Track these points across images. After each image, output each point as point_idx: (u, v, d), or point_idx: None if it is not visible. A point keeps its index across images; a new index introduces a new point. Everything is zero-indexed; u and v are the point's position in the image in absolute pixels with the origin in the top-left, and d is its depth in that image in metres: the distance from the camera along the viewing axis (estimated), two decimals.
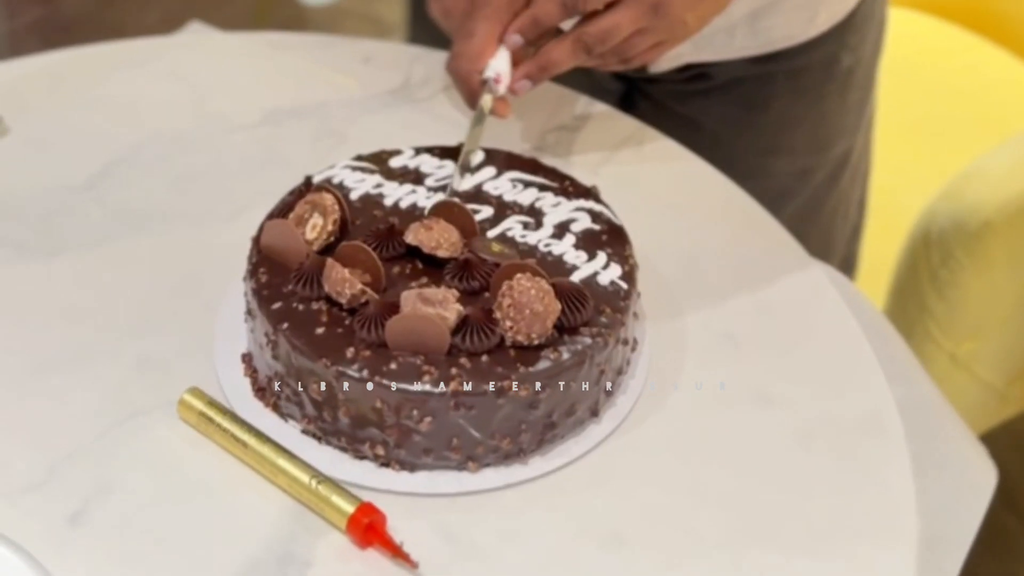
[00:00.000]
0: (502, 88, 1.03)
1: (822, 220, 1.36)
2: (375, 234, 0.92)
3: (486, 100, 1.03)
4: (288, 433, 0.88)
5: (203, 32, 1.32)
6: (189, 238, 1.04)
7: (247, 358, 0.92)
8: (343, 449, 0.87)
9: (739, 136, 1.28)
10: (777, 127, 1.29)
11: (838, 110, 1.31)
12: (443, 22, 1.11)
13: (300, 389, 0.86)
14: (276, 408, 0.89)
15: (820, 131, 1.31)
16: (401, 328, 0.84)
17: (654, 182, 1.11)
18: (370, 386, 0.83)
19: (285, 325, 0.87)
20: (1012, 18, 1.99)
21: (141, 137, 1.14)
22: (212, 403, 0.88)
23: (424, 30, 1.32)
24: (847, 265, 1.43)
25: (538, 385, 0.84)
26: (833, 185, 1.35)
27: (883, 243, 1.53)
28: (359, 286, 0.86)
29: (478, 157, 1.01)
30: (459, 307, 0.85)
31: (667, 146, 1.15)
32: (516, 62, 1.04)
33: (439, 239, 0.90)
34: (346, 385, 0.84)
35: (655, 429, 0.90)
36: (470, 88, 1.04)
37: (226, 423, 0.87)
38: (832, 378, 0.95)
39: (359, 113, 1.18)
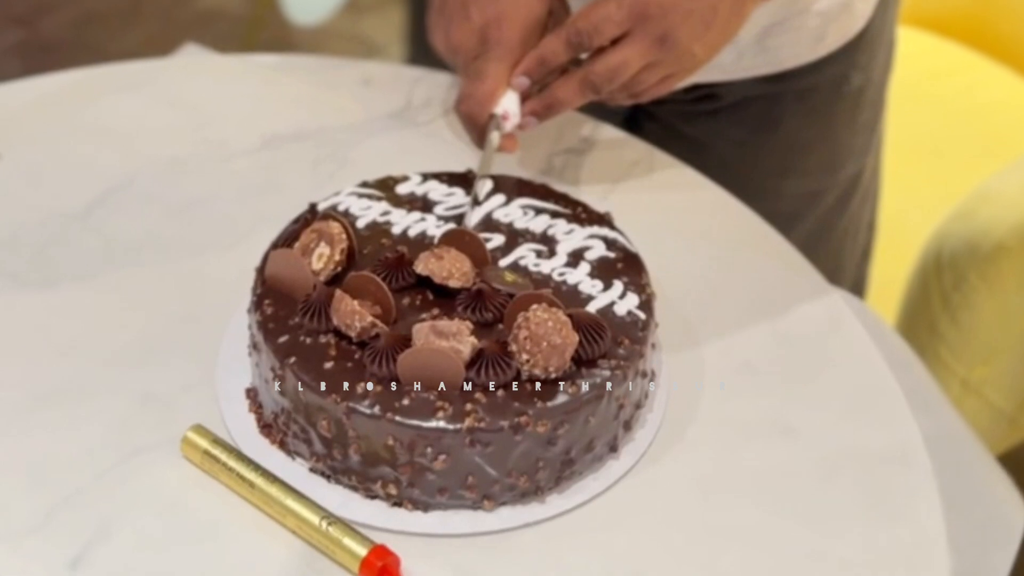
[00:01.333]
0: (509, 126, 1.02)
1: (832, 243, 1.34)
2: (384, 264, 0.89)
3: (494, 137, 1.01)
4: (296, 472, 0.85)
5: (199, 54, 1.30)
6: (189, 268, 1.02)
7: (252, 393, 0.90)
8: (354, 488, 0.84)
9: (748, 158, 1.26)
10: (787, 148, 1.27)
11: (848, 131, 1.29)
12: (449, 58, 1.08)
13: (308, 426, 0.84)
14: (283, 446, 0.86)
15: (830, 152, 1.29)
16: (414, 362, 0.82)
17: (666, 207, 1.09)
18: (382, 422, 0.81)
19: (292, 359, 0.84)
20: (1015, 37, 1.98)
21: (137, 164, 1.11)
22: (217, 441, 0.86)
23: (423, 50, 1.30)
24: (857, 289, 1.41)
25: (556, 420, 0.82)
26: (843, 208, 1.33)
27: (892, 266, 1.51)
28: (369, 318, 0.84)
29: (486, 186, 0.99)
30: (473, 340, 0.83)
31: (678, 170, 1.13)
32: (523, 96, 1.03)
33: (450, 269, 0.88)
34: (357, 421, 0.81)
35: (675, 464, 0.88)
36: (478, 128, 1.02)
37: (231, 462, 0.85)
38: (855, 409, 0.93)
39: (360, 137, 1.16)
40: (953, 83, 1.90)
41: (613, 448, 0.87)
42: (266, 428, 0.88)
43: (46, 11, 2.92)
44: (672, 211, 1.09)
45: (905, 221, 1.59)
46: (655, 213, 1.08)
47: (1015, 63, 1.94)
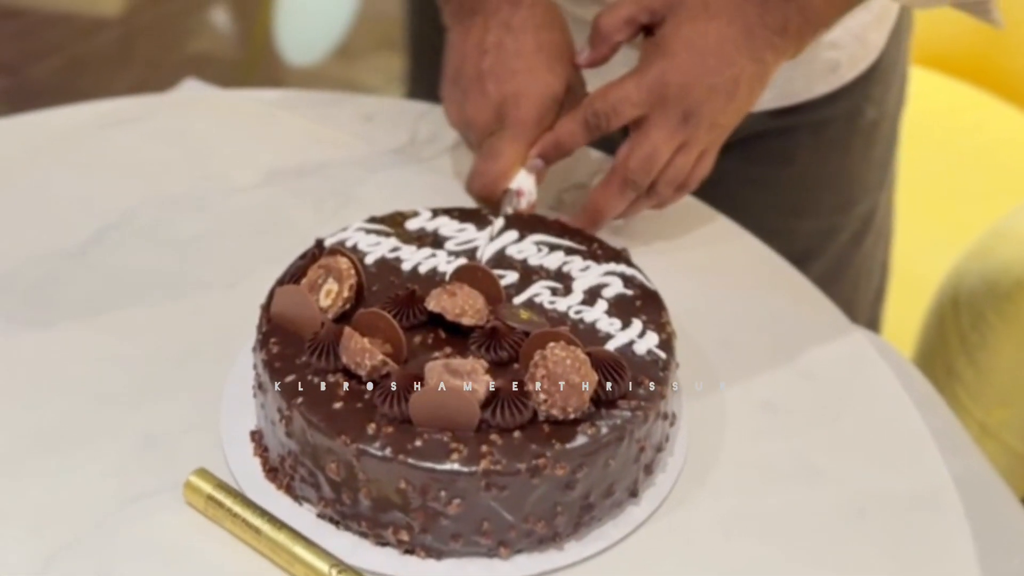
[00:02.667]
0: (524, 203, 1.01)
1: (846, 284, 1.32)
2: (394, 301, 0.87)
3: (508, 212, 1.00)
4: (303, 518, 0.83)
5: (199, 89, 1.28)
6: (190, 306, 0.99)
7: (257, 436, 0.87)
8: (364, 535, 0.81)
9: (760, 194, 1.24)
10: (800, 184, 1.26)
11: (862, 166, 1.28)
12: (461, 131, 1.08)
13: (316, 469, 0.82)
14: (290, 490, 0.84)
15: (844, 188, 1.28)
16: (427, 402, 0.80)
17: (680, 243, 1.07)
18: (394, 465, 0.78)
19: (299, 400, 0.82)
20: (1019, 75, 1.97)
21: (135, 200, 1.09)
22: (221, 485, 0.83)
23: (425, 86, 1.29)
24: (870, 329, 1.39)
25: (575, 463, 0.80)
26: (857, 246, 1.31)
27: (904, 306, 1.50)
28: (380, 357, 0.82)
29: (498, 224, 0.97)
30: (489, 379, 0.81)
31: (691, 204, 1.12)
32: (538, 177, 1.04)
33: (463, 306, 0.86)
34: (367, 464, 0.79)
35: (698, 509, 0.86)
36: (492, 204, 1.02)
37: (236, 507, 0.82)
38: (882, 450, 0.91)
39: (364, 173, 1.14)
40: (961, 122, 1.90)
41: (633, 493, 0.85)
42: (272, 472, 0.85)
43: (33, 58, 2.90)
44: (685, 247, 1.07)
45: (917, 261, 1.57)
46: (668, 249, 1.06)
47: (1017, 99, 1.94)
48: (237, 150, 1.16)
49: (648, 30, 1.02)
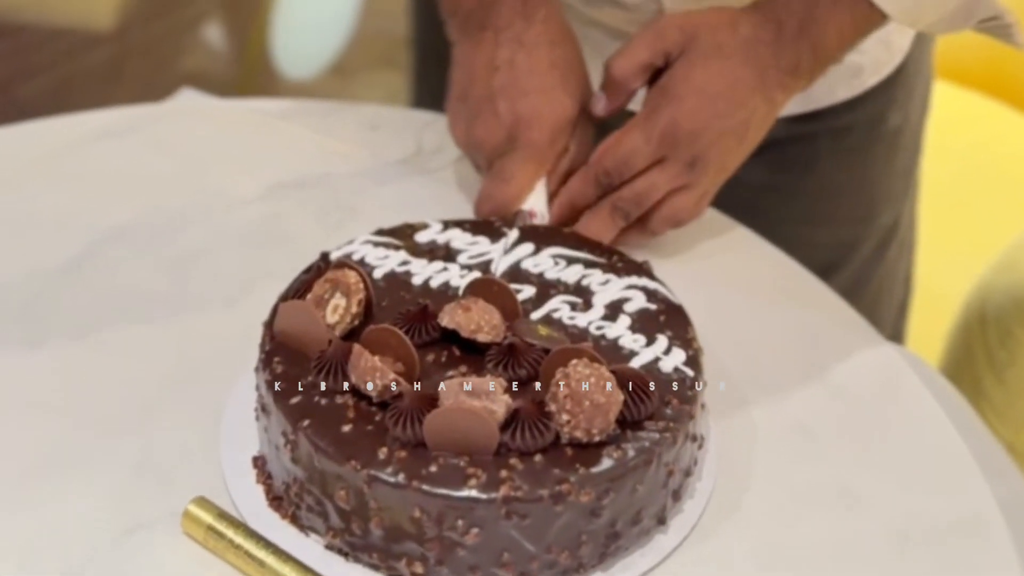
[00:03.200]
0: (535, 221, 0.98)
1: (867, 298, 1.28)
2: (406, 316, 0.83)
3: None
4: (310, 549, 0.78)
5: (195, 99, 1.24)
6: (187, 325, 0.95)
7: (260, 462, 0.83)
8: (375, 567, 0.77)
9: (780, 204, 1.20)
10: (821, 193, 1.22)
11: (885, 175, 1.24)
12: (470, 153, 1.05)
13: (324, 497, 0.77)
14: (295, 520, 0.80)
15: (866, 198, 1.24)
16: (442, 424, 0.75)
17: (699, 254, 1.03)
18: (407, 492, 0.74)
19: (306, 422, 0.77)
20: None
21: (129, 215, 1.05)
22: (222, 515, 0.79)
23: (430, 94, 1.25)
24: None
25: (601, 488, 0.75)
26: (880, 258, 1.27)
27: (927, 323, 1.45)
28: (391, 376, 0.77)
29: (512, 236, 0.93)
30: (508, 399, 0.76)
31: (709, 214, 1.07)
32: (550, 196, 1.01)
33: (479, 321, 0.81)
34: (379, 491, 0.75)
35: (729, 537, 0.81)
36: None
37: (239, 538, 0.78)
38: (923, 474, 0.87)
39: (369, 184, 1.10)
40: (981, 134, 1.86)
41: (661, 520, 0.80)
42: (276, 501, 0.81)
43: (23, 76, 2.86)
44: (705, 257, 1.03)
45: (940, 275, 1.53)
46: (686, 260, 1.02)
47: None
48: (236, 161, 1.12)
49: (658, 71, 0.99)
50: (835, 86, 1.15)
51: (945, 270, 1.55)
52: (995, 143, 1.85)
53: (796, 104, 1.13)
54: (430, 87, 1.29)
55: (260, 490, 0.82)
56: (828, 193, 1.22)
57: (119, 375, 0.90)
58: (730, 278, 1.02)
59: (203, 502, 0.80)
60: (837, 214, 1.23)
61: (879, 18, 0.97)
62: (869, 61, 1.15)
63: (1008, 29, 1.00)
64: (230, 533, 0.78)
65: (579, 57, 1.03)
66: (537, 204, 0.98)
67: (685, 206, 0.99)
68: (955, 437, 0.89)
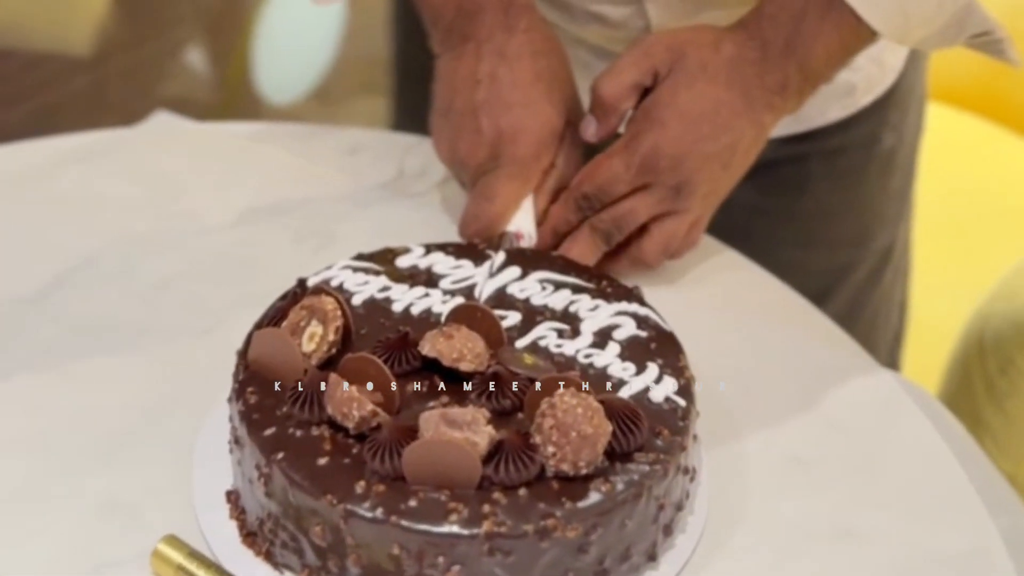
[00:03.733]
0: (524, 244, 0.96)
1: (862, 325, 1.26)
2: (384, 345, 0.80)
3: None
4: None
5: (170, 122, 1.21)
6: (159, 355, 0.93)
7: (233, 497, 0.80)
8: None
9: (772, 227, 1.18)
10: (813, 216, 1.20)
11: (880, 196, 1.22)
12: (453, 169, 1.02)
13: (299, 533, 0.74)
14: (269, 557, 0.77)
15: (861, 221, 1.22)
16: (422, 457, 0.73)
17: (693, 282, 1.01)
18: (385, 528, 0.71)
19: (280, 455, 0.75)
20: None
21: (99, 242, 1.02)
22: (193, 554, 0.76)
23: (412, 116, 1.22)
24: None
25: (588, 524, 0.73)
26: (875, 283, 1.25)
27: (923, 352, 1.43)
28: (370, 406, 0.75)
29: (498, 259, 0.90)
30: (491, 430, 0.74)
31: (703, 240, 1.05)
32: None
33: (461, 349, 0.79)
34: (356, 527, 0.72)
35: (723, 574, 0.79)
36: (489, 245, 0.96)
37: None
38: (924, 508, 0.84)
39: (348, 209, 1.07)
40: (977, 158, 1.85)
41: (652, 557, 0.78)
42: (250, 537, 0.78)
43: (3, 104, 2.84)
44: (698, 284, 1.01)
45: (937, 302, 1.51)
46: (677, 286, 1.00)
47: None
48: (210, 186, 1.09)
49: (646, 91, 0.98)
50: (827, 106, 1.13)
51: (941, 297, 1.53)
52: (991, 165, 1.84)
53: (788, 124, 1.11)
54: (410, 108, 1.27)
55: (233, 525, 0.79)
56: (821, 216, 1.20)
57: (86, 408, 0.88)
58: (722, 304, 1.00)
59: (173, 540, 0.77)
60: (831, 237, 1.21)
61: (868, 35, 0.94)
62: (861, 80, 1.13)
63: (999, 45, 0.98)
64: (201, 572, 0.76)
65: (565, 67, 1.01)
66: (524, 224, 0.96)
67: (675, 233, 0.97)
68: (956, 468, 0.86)
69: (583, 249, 0.95)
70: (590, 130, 0.99)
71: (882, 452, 0.88)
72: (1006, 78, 1.94)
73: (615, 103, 0.97)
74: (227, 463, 0.82)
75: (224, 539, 0.78)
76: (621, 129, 0.98)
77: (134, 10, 2.40)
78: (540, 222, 0.97)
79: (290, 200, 1.08)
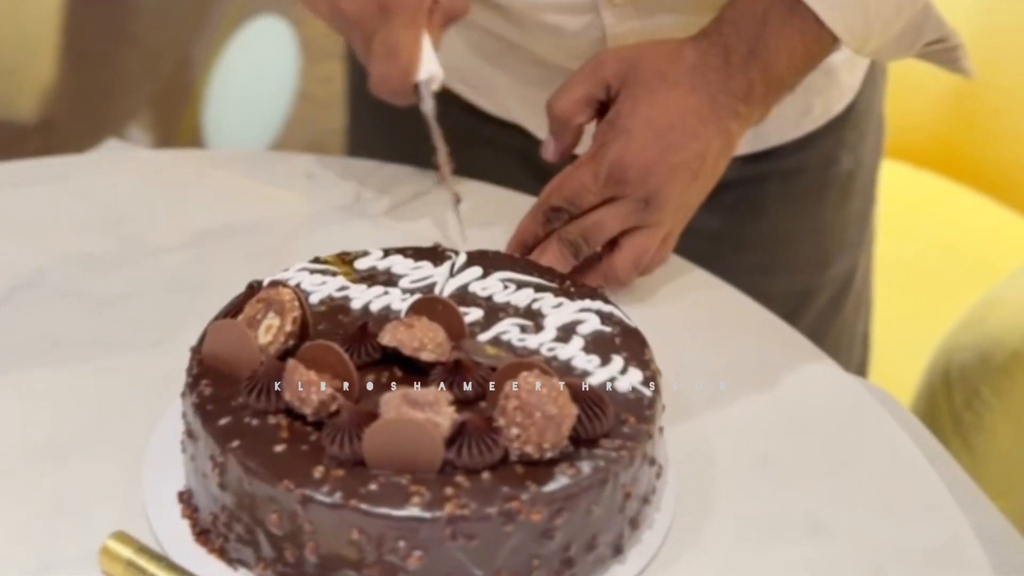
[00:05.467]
0: (436, 85, 0.96)
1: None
2: (344, 337, 0.80)
3: (429, 106, 0.96)
4: None
5: (120, 149, 1.21)
6: (107, 367, 0.92)
7: (185, 496, 0.79)
8: None
9: (728, 250, 1.17)
10: (771, 240, 1.20)
11: (839, 220, 1.23)
12: (340, 30, 0.98)
13: (255, 524, 0.74)
14: (223, 554, 0.76)
15: (820, 244, 1.23)
16: (383, 438, 0.72)
17: (651, 293, 1.01)
18: (344, 512, 0.71)
19: (235, 443, 0.74)
20: (990, 163, 1.96)
21: (47, 259, 1.02)
22: (142, 549, 0.75)
23: (367, 146, 1.23)
24: None
25: (554, 508, 0.72)
26: (836, 312, 1.26)
27: (889, 384, 1.44)
28: (328, 390, 0.74)
29: (460, 259, 0.90)
30: (453, 412, 0.73)
31: (671, 259, 1.05)
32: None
33: (422, 339, 0.79)
34: (314, 513, 0.71)
35: (690, 569, 0.78)
36: (403, 103, 0.97)
37: (161, 573, 0.74)
38: (894, 503, 0.84)
39: (305, 230, 1.07)
40: (933, 213, 1.87)
41: (619, 549, 0.77)
42: (203, 535, 0.77)
43: None
44: (658, 297, 1.01)
45: (898, 341, 1.52)
46: (642, 299, 1.00)
47: (992, 190, 1.92)
48: (162, 208, 1.09)
49: (604, 106, 0.98)
50: (784, 125, 1.14)
51: (904, 336, 1.54)
52: (953, 222, 1.86)
53: (745, 143, 1.11)
54: (365, 140, 1.28)
55: (186, 524, 0.78)
56: (779, 239, 1.20)
57: (32, 415, 0.87)
58: (687, 317, 0.99)
59: (122, 536, 0.76)
60: (790, 262, 1.22)
61: (829, 41, 0.95)
62: (819, 98, 1.14)
63: (953, 53, 1.00)
64: (152, 568, 0.74)
65: None
66: (431, 67, 0.95)
67: (646, 248, 0.97)
68: (925, 465, 0.86)
69: (551, 261, 0.95)
70: (549, 151, 1.00)
71: (850, 451, 0.88)
72: (959, 133, 1.98)
73: (567, 118, 0.98)
74: (178, 465, 0.81)
75: (176, 538, 0.77)
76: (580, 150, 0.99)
77: (82, 76, 2.40)
78: (436, 47, 0.96)
79: (244, 222, 1.08)
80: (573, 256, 0.96)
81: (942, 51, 1.00)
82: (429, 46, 0.96)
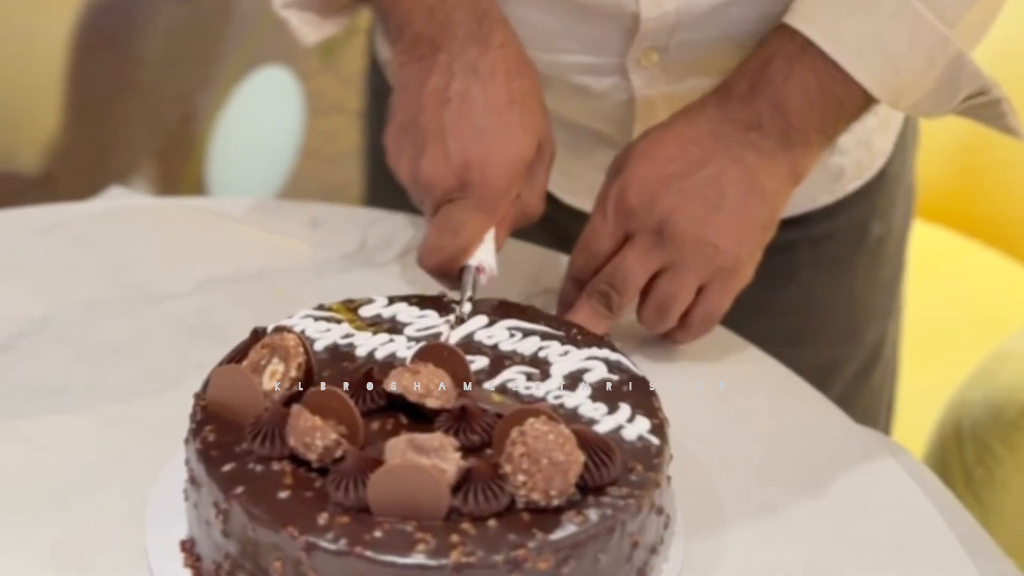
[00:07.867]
0: (485, 279, 0.94)
1: None
2: (349, 383, 0.80)
3: (467, 294, 0.92)
4: None
5: (124, 197, 1.22)
6: (110, 415, 0.92)
7: (188, 544, 0.80)
8: None
9: (757, 320, 1.10)
10: (801, 308, 1.19)
11: (869, 288, 1.22)
12: (414, 192, 0.97)
13: (258, 572, 0.74)
14: None
15: (849, 314, 1.21)
16: (388, 485, 0.72)
17: (660, 346, 1.01)
18: (349, 560, 0.71)
19: (240, 489, 0.74)
20: (999, 218, 1.96)
21: (50, 307, 1.02)
22: None
23: (384, 197, 1.22)
24: None
25: (561, 556, 0.72)
26: (864, 382, 1.24)
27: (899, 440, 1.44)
28: (333, 436, 0.75)
29: (466, 308, 0.91)
30: (459, 458, 0.74)
31: None
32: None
33: (428, 385, 0.79)
34: (318, 560, 0.71)
35: None
36: (449, 280, 0.95)
37: None
38: (905, 556, 0.85)
39: (310, 278, 1.08)
40: (942, 267, 1.87)
41: None
42: None
43: None
44: (671, 352, 1.01)
45: (906, 403, 1.52)
46: (653, 354, 1.00)
47: (1001, 243, 1.92)
48: (166, 256, 1.10)
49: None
50: (815, 191, 1.13)
51: (914, 399, 1.54)
52: (965, 279, 1.86)
53: None
54: (382, 186, 1.27)
55: (188, 574, 0.78)
56: (807, 308, 1.19)
57: (32, 465, 0.87)
58: (698, 370, 0.99)
59: None
60: (819, 332, 1.20)
61: (854, 84, 0.93)
62: (850, 164, 1.13)
63: (998, 107, 0.96)
64: None
65: (538, 89, 0.97)
66: (485, 257, 0.94)
67: (670, 291, 0.94)
68: (938, 519, 0.87)
69: (584, 318, 0.93)
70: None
71: (860, 502, 0.88)
72: (970, 189, 1.99)
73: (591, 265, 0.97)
74: (181, 514, 0.81)
75: None
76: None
77: (85, 128, 2.42)
78: (499, 250, 0.96)
79: (248, 270, 1.09)
80: (606, 307, 0.94)
81: (985, 105, 0.96)
82: (492, 239, 0.94)
